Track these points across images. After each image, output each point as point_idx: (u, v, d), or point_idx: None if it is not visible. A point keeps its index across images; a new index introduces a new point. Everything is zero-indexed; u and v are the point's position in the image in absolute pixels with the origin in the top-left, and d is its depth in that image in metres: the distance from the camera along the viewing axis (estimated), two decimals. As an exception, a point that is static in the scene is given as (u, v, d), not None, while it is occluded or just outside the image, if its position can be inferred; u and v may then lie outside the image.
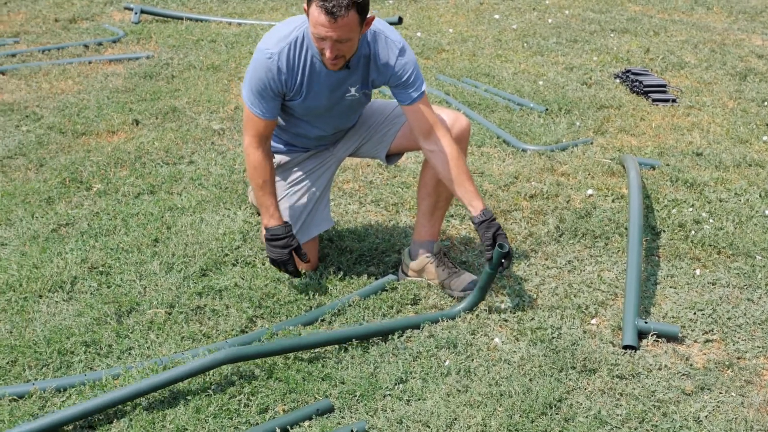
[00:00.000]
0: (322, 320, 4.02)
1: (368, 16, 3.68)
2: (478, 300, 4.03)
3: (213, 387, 3.55)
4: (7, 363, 3.74)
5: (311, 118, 4.14)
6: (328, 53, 3.67)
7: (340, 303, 4.09)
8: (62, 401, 3.48)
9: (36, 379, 3.64)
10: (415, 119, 3.96)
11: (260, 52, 3.86)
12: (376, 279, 4.35)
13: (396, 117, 4.26)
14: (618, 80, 7.83)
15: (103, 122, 6.78)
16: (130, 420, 3.30)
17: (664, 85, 7.42)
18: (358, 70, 3.93)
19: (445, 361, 3.68)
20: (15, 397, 3.50)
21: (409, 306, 4.13)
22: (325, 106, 4.07)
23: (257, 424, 3.32)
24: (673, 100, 7.16)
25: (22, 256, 4.67)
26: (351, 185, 5.54)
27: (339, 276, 4.38)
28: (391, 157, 4.38)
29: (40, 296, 4.27)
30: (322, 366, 3.65)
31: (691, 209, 5.06)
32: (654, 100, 7.16)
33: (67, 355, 3.79)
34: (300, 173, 4.32)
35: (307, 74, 3.89)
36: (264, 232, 4.09)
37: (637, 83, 7.47)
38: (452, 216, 5.04)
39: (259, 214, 4.97)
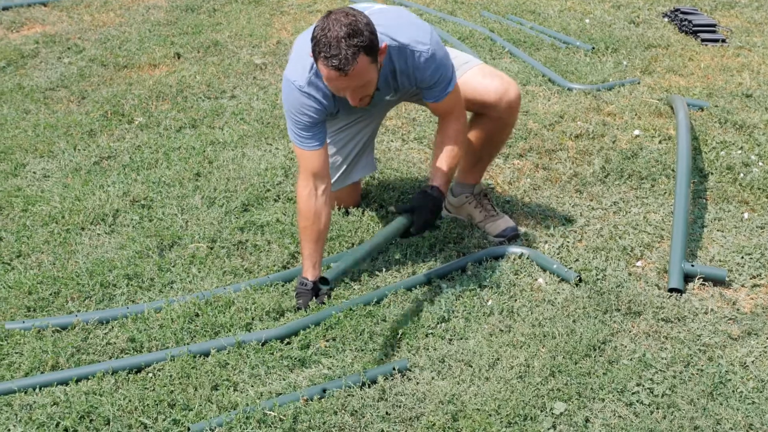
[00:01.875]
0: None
1: (380, 45, 3.40)
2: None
3: (255, 322, 3.55)
4: (50, 294, 3.76)
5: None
6: (351, 101, 3.45)
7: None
8: (105, 333, 3.50)
9: (79, 311, 3.65)
10: (435, 111, 3.82)
11: (291, 84, 3.60)
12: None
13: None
14: (666, 19, 7.68)
15: (145, 55, 6.76)
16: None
17: (713, 25, 7.27)
18: (388, 85, 3.70)
19: (487, 301, 3.65)
20: (58, 328, 3.52)
21: (452, 245, 4.09)
22: (366, 111, 3.98)
23: (299, 358, 3.31)
24: (723, 41, 7.01)
25: (64, 188, 4.68)
26: (394, 122, 5.48)
27: (381, 213, 4.35)
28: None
29: (83, 229, 4.28)
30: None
31: (740, 152, 4.97)
32: (703, 40, 7.01)
33: (109, 288, 3.80)
34: (344, 122, 4.17)
35: (338, 97, 3.64)
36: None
37: (686, 22, 7.32)
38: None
39: None
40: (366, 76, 3.34)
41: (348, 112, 3.90)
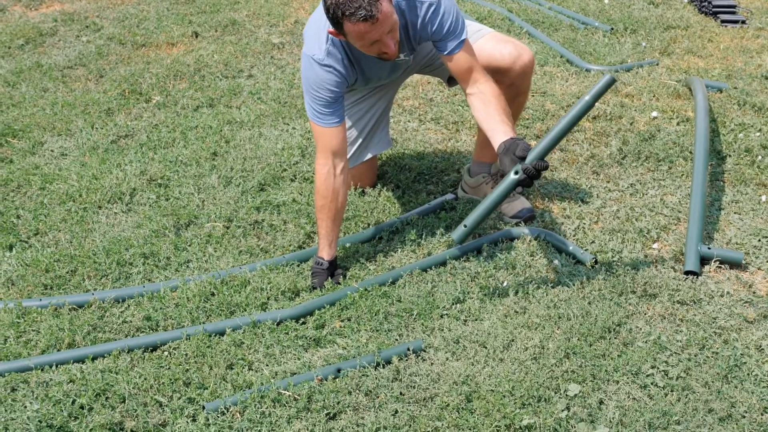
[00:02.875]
0: (380, 238, 4.00)
1: None
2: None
3: (270, 302, 3.55)
4: (67, 272, 3.78)
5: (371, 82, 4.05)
6: (388, 49, 3.44)
7: (399, 221, 4.07)
8: (121, 312, 3.51)
9: (95, 290, 3.67)
10: (455, 68, 3.71)
11: (310, 59, 3.62)
12: (435, 198, 4.31)
13: None
14: (686, 0, 7.63)
15: (163, 34, 6.76)
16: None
17: (734, 6, 7.22)
18: (402, 42, 3.71)
19: (503, 282, 3.65)
20: (75, 306, 3.54)
21: (468, 226, 4.09)
22: (384, 77, 4.00)
23: (314, 338, 3.32)
24: (743, 22, 6.97)
25: (81, 166, 4.69)
26: (411, 102, 5.48)
27: (397, 194, 4.35)
28: (453, 79, 4.26)
29: (100, 207, 4.30)
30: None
31: (758, 134, 4.93)
32: (723, 21, 6.97)
33: (126, 266, 3.82)
34: (360, 94, 4.22)
35: (357, 61, 3.71)
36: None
37: (706, 3, 7.28)
38: (513, 136, 4.96)
39: None
40: (391, 17, 3.36)
41: (365, 81, 3.91)
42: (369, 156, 4.30)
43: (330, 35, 3.52)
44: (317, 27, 3.60)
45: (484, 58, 3.90)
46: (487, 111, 3.62)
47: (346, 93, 3.98)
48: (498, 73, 3.95)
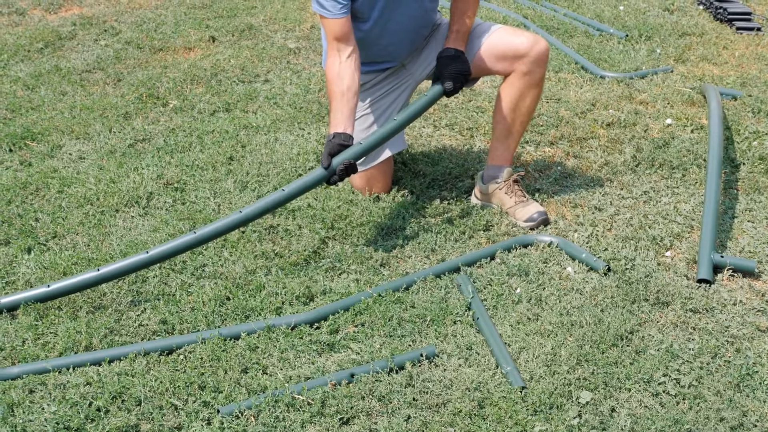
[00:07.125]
0: (395, 244, 4.02)
1: None
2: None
3: (285, 307, 3.58)
4: (85, 276, 3.81)
5: (382, 29, 4.15)
6: None
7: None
8: (137, 315, 3.54)
9: (111, 293, 3.69)
10: None
11: None
12: (449, 203, 4.33)
13: (473, 40, 4.20)
14: (701, 7, 7.63)
15: (180, 38, 6.81)
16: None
17: (749, 13, 7.22)
18: None
19: (516, 289, 3.67)
20: (91, 309, 3.57)
21: (482, 232, 4.10)
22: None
23: (327, 343, 3.34)
24: (758, 29, 6.97)
25: (99, 170, 4.73)
26: (426, 108, 5.50)
27: (411, 200, 4.37)
28: (468, 81, 4.32)
29: (117, 211, 4.33)
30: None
31: (772, 142, 4.95)
32: (738, 29, 6.97)
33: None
34: (376, 94, 4.29)
35: None
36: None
37: (721, 10, 7.28)
38: (527, 142, 4.99)
39: None
40: None
41: (370, 12, 4.06)
42: (386, 154, 4.34)
43: None
44: None
45: (501, 45, 4.15)
46: (460, 15, 4.15)
47: (362, 90, 4.30)
48: (516, 59, 4.12)
